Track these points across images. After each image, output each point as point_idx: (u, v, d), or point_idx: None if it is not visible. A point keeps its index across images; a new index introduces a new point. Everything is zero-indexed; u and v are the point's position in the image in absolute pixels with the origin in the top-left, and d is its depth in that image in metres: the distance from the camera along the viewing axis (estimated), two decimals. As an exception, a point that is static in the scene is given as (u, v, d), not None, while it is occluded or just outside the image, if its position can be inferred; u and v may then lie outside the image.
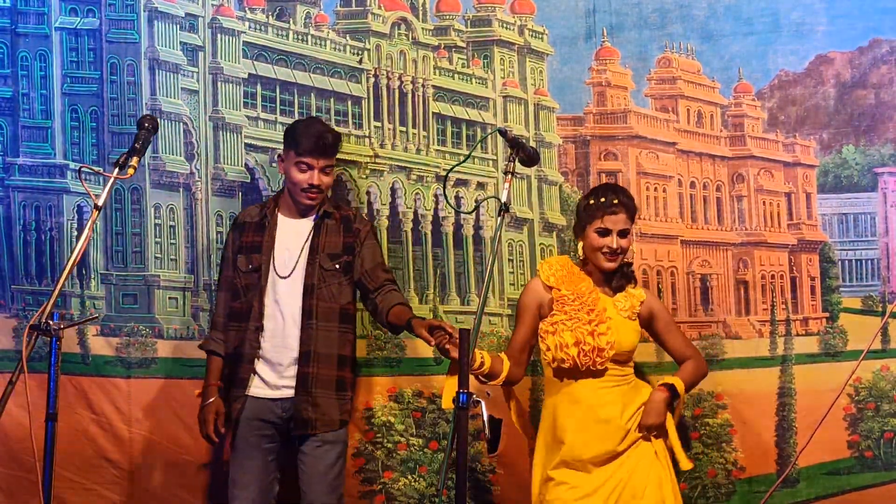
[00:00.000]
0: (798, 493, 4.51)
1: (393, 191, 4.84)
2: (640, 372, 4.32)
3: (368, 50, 4.86)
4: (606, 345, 3.80)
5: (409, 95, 4.87)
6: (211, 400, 4.13)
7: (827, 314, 4.58)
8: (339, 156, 4.38)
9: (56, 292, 3.25)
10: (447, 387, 3.68)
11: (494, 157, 4.86)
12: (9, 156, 4.80)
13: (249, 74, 4.81)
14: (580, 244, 3.93)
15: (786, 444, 4.53)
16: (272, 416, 4.09)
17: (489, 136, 4.82)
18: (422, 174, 4.85)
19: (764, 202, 4.71)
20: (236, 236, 4.23)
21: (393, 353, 4.71)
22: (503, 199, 3.53)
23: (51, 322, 3.23)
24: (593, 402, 3.83)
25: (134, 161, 3.44)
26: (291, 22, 4.85)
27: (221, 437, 4.17)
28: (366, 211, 4.76)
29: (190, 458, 4.66)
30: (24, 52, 4.80)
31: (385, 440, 4.69)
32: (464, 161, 4.58)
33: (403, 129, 4.86)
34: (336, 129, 4.42)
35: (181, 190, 4.78)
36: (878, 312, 4.49)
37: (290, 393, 4.06)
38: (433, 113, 4.87)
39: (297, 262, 4.11)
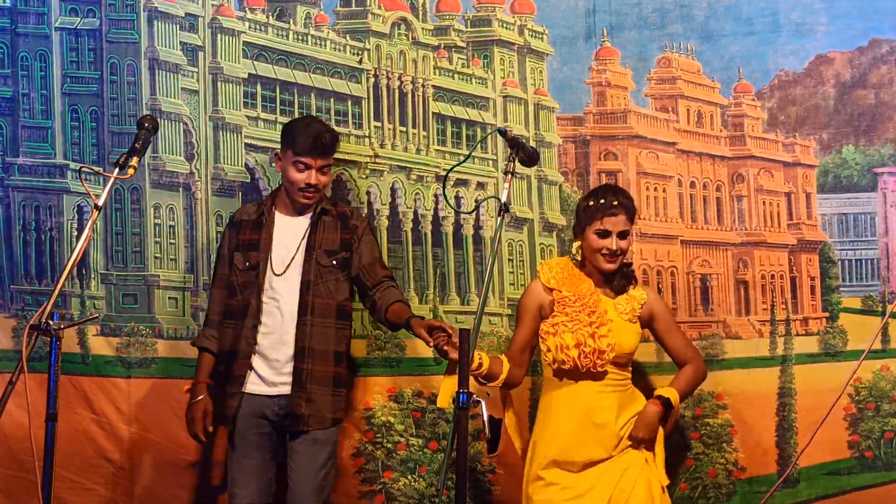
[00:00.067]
0: (798, 493, 4.51)
1: (393, 191, 4.84)
2: (640, 372, 4.32)
3: (368, 50, 4.86)
4: (607, 347, 3.79)
5: (409, 95, 4.87)
6: (199, 398, 4.14)
7: (827, 314, 4.58)
8: (339, 156, 4.39)
9: (56, 292, 3.25)
10: (444, 386, 3.69)
11: (494, 157, 4.86)
12: (9, 156, 4.80)
13: (249, 74, 4.81)
14: (576, 244, 3.93)
15: (786, 444, 4.53)
16: (269, 412, 4.09)
17: (489, 136, 4.82)
18: (422, 174, 4.85)
19: (764, 202, 4.71)
20: (233, 234, 4.23)
21: (393, 353, 4.71)
22: (503, 199, 3.52)
23: (51, 322, 3.23)
24: (591, 405, 3.83)
25: (134, 161, 3.44)
26: (291, 22, 4.85)
27: (210, 436, 4.18)
28: (366, 211, 4.76)
29: (190, 458, 4.66)
30: (24, 52, 4.80)
31: (385, 440, 4.69)
32: (464, 161, 4.58)
33: (403, 129, 4.86)
34: (336, 129, 4.42)
35: (181, 190, 4.78)
36: (878, 312, 4.49)
37: (287, 390, 4.06)
38: (433, 113, 4.87)
39: (293, 258, 4.11)
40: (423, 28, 4.89)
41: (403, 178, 4.84)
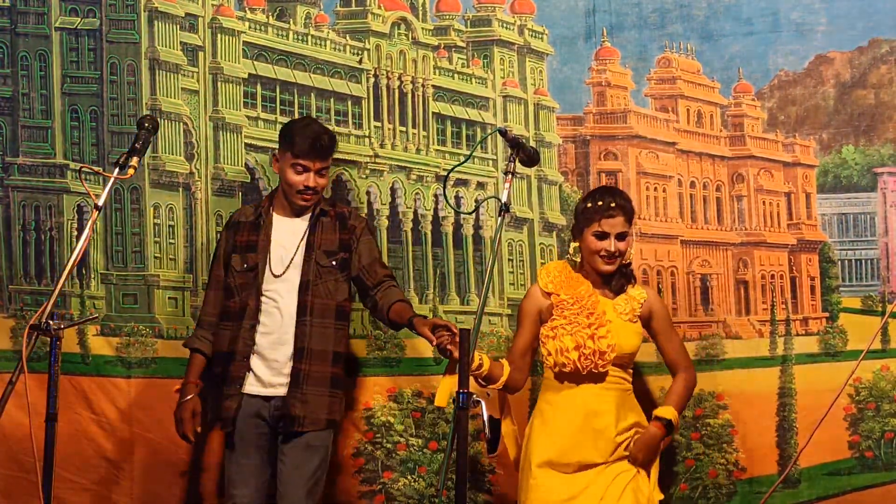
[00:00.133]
0: (799, 493, 4.51)
1: (393, 191, 4.84)
2: (640, 372, 4.32)
3: (368, 50, 4.86)
4: (607, 348, 3.79)
5: (409, 95, 4.87)
6: (188, 398, 4.13)
7: (827, 314, 4.58)
8: (338, 155, 4.39)
9: (56, 292, 3.25)
10: (442, 385, 3.68)
11: (494, 157, 4.86)
12: (8, 156, 4.80)
13: (249, 74, 4.80)
14: (574, 246, 3.93)
15: (786, 444, 4.53)
16: (266, 413, 4.08)
17: (489, 136, 4.82)
18: (422, 174, 4.85)
19: (764, 202, 4.71)
20: (230, 235, 4.23)
21: (392, 353, 4.71)
22: (503, 199, 3.53)
23: (51, 322, 3.23)
24: (591, 408, 3.83)
25: (134, 161, 3.44)
26: (291, 22, 4.85)
27: (198, 437, 4.17)
28: (365, 211, 4.76)
29: (189, 458, 4.66)
30: (23, 52, 4.80)
31: (384, 440, 4.69)
32: (464, 161, 4.58)
33: (403, 129, 4.86)
34: (336, 129, 4.42)
35: (181, 190, 4.78)
36: (878, 312, 4.49)
37: (284, 391, 4.05)
38: (433, 113, 4.87)
39: (293, 259, 4.11)
40: (422, 28, 4.89)
41: (403, 178, 4.84)
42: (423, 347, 4.64)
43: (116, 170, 3.42)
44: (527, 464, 3.87)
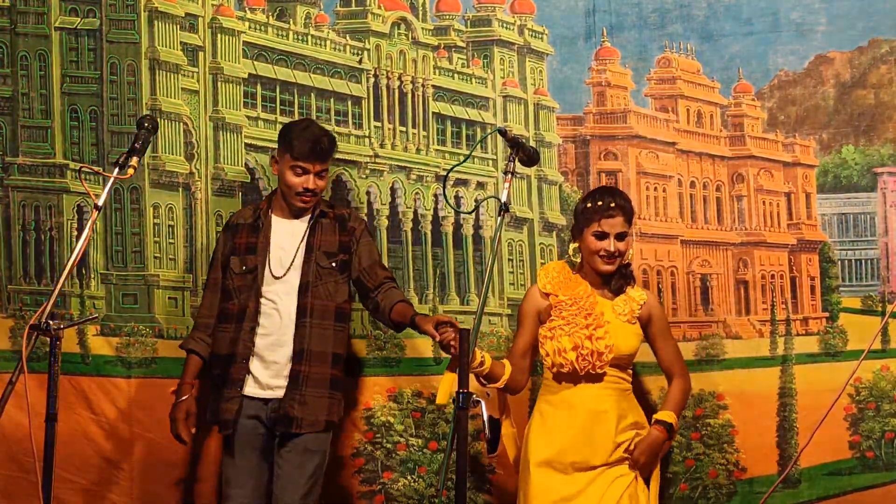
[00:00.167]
0: (799, 493, 4.51)
1: (393, 191, 4.84)
2: (639, 373, 4.32)
3: (368, 50, 4.86)
4: (605, 348, 3.80)
5: (409, 95, 4.87)
6: (183, 398, 4.13)
7: (827, 314, 4.58)
8: (338, 155, 4.38)
9: (56, 292, 3.25)
10: (443, 382, 3.67)
11: (494, 157, 4.86)
12: (8, 155, 4.80)
13: (249, 74, 4.80)
14: (573, 246, 3.93)
15: (787, 444, 4.53)
16: (263, 415, 4.07)
17: (489, 136, 4.82)
18: (422, 174, 4.85)
19: (764, 202, 4.71)
20: (229, 237, 4.22)
21: (392, 353, 4.71)
22: (503, 199, 3.53)
23: (51, 322, 3.23)
24: (591, 408, 3.83)
25: (134, 161, 3.44)
26: (291, 22, 4.85)
27: (195, 438, 4.17)
28: (365, 211, 4.76)
29: (189, 458, 4.66)
30: (23, 51, 4.80)
31: (384, 440, 4.69)
32: (464, 161, 4.58)
33: (403, 128, 4.86)
34: (336, 129, 4.42)
35: (181, 190, 4.77)
36: (878, 312, 4.49)
37: (282, 394, 4.04)
38: (433, 113, 4.87)
39: (292, 260, 4.10)
40: (422, 28, 4.89)
41: (403, 178, 4.84)
42: (423, 347, 4.64)
43: (116, 170, 3.42)
44: (526, 463, 3.87)
